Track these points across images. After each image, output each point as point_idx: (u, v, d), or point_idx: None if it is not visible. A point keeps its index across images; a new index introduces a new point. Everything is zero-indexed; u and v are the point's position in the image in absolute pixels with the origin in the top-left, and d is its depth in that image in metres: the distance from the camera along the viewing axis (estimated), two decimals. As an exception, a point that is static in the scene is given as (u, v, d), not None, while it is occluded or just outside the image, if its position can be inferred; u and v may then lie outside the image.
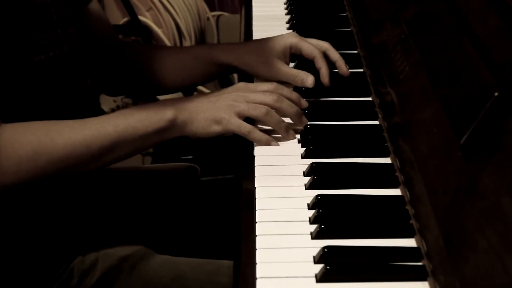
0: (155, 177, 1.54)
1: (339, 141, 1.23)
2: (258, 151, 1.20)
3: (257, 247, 0.98)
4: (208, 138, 1.22)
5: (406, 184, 1.08)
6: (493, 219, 0.84)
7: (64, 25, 1.28)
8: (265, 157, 1.19)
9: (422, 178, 1.01)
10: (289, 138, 1.23)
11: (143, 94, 1.92)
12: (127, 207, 1.43)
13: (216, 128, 1.20)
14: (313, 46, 1.38)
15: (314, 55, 1.37)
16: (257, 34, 1.57)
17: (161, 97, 1.99)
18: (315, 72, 1.36)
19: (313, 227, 1.01)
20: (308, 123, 1.25)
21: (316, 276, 0.93)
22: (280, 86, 1.27)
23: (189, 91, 2.31)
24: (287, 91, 1.26)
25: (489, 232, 0.83)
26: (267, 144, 1.21)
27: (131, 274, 1.27)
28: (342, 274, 0.93)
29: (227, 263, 1.29)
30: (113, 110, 2.55)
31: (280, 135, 1.22)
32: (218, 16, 2.98)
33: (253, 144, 1.21)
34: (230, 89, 1.25)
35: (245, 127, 1.20)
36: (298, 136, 1.23)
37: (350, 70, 1.39)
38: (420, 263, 0.95)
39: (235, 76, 2.45)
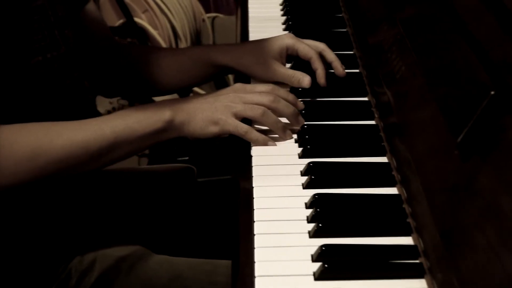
0: (152, 178, 1.54)
1: (336, 140, 1.23)
2: (255, 151, 1.21)
3: (255, 246, 0.99)
4: (205, 138, 1.22)
5: (403, 183, 1.08)
6: (490, 217, 0.84)
7: (61, 26, 1.28)
8: (262, 157, 1.19)
9: (418, 177, 1.02)
10: (286, 138, 1.23)
11: (140, 95, 1.92)
12: (124, 208, 1.43)
13: (214, 129, 1.20)
14: (309, 47, 1.38)
15: (311, 56, 1.37)
16: (253, 35, 1.58)
17: (157, 99, 1.99)
18: (311, 73, 1.36)
19: (311, 226, 1.02)
20: (305, 123, 1.25)
21: (314, 274, 0.93)
22: (276, 87, 1.27)
23: (185, 92, 2.31)
24: (283, 92, 1.27)
25: (486, 230, 0.84)
26: (264, 144, 1.21)
27: (129, 274, 1.27)
28: (340, 272, 0.93)
29: (225, 263, 1.29)
30: (109, 112, 2.55)
31: (277, 136, 1.23)
32: (214, 18, 2.99)
33: (250, 144, 1.22)
34: (227, 90, 1.26)
35: (242, 128, 1.20)
36: (295, 136, 1.24)
37: (347, 71, 1.39)
38: (417, 261, 0.96)
39: (231, 77, 2.45)
